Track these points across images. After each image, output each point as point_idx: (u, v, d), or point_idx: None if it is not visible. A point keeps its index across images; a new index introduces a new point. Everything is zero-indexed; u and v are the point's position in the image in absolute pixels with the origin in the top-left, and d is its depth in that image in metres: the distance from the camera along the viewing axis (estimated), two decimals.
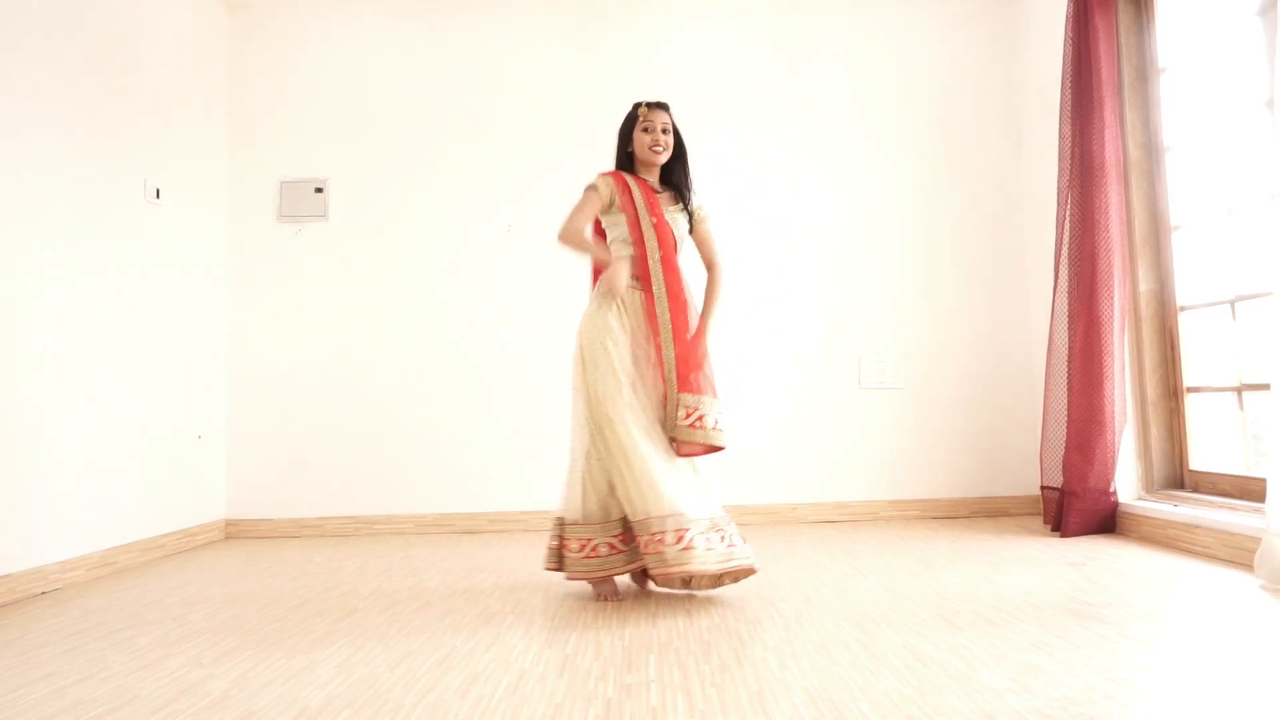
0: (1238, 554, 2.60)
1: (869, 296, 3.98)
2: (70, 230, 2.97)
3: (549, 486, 3.77)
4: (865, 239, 4.00)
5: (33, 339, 2.78)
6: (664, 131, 2.51)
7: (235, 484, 3.90)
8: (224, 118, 4.02)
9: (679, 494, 2.31)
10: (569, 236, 2.48)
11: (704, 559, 2.25)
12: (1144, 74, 3.33)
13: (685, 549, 2.23)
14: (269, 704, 1.62)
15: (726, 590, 2.46)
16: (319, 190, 4.01)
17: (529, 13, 4.08)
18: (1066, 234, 3.33)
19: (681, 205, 2.57)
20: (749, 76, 4.05)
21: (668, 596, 2.44)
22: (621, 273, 2.44)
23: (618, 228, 2.52)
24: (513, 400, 3.91)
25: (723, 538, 2.33)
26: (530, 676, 1.75)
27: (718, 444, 2.44)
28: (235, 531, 3.86)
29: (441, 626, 2.16)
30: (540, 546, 3.35)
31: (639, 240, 2.48)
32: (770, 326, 3.95)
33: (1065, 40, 3.37)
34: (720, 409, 2.49)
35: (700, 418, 2.41)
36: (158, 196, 3.46)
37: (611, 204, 2.50)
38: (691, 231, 2.60)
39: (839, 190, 4.01)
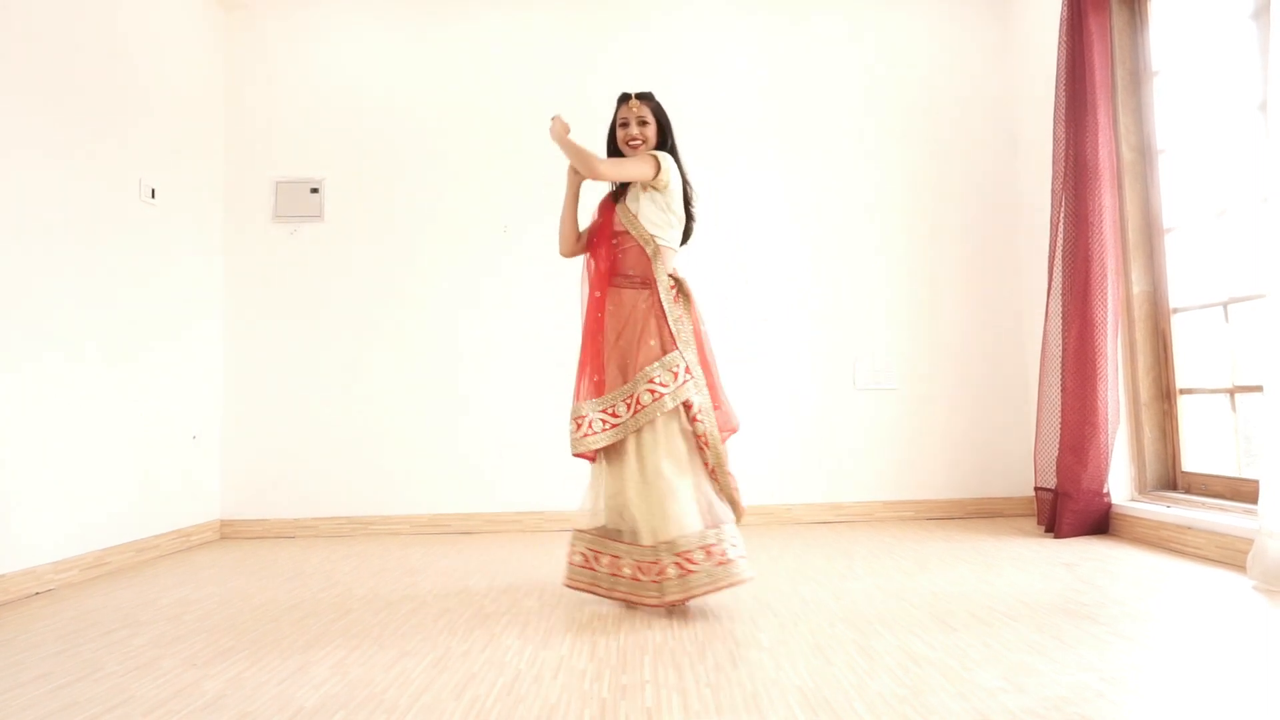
0: (1230, 555, 2.61)
1: (864, 298, 3.98)
2: (64, 230, 2.96)
3: (545, 487, 3.80)
4: (860, 240, 4.00)
5: (26, 338, 2.77)
6: (641, 123, 2.39)
7: (230, 484, 3.89)
8: (219, 117, 4.02)
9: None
10: None
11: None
12: (1137, 77, 3.35)
13: None
14: (264, 705, 1.62)
15: (723, 592, 2.46)
16: (314, 190, 4.00)
17: (526, 12, 4.09)
18: (1060, 236, 3.34)
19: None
20: (745, 77, 4.06)
21: None
22: None
23: None
24: (508, 401, 3.91)
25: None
26: (525, 677, 1.75)
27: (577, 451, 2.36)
28: (230, 532, 3.86)
29: (436, 628, 2.16)
30: (536, 545, 3.36)
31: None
32: (765, 328, 3.95)
33: (1059, 43, 3.38)
34: (595, 409, 2.32)
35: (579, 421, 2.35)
36: (153, 196, 3.45)
37: None
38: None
39: (833, 192, 4.02)
